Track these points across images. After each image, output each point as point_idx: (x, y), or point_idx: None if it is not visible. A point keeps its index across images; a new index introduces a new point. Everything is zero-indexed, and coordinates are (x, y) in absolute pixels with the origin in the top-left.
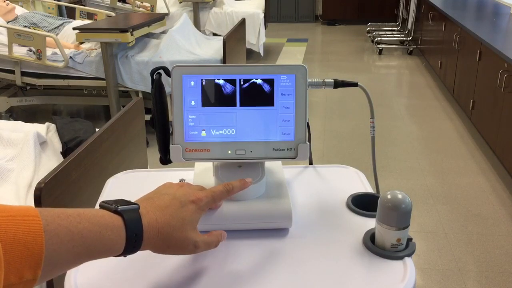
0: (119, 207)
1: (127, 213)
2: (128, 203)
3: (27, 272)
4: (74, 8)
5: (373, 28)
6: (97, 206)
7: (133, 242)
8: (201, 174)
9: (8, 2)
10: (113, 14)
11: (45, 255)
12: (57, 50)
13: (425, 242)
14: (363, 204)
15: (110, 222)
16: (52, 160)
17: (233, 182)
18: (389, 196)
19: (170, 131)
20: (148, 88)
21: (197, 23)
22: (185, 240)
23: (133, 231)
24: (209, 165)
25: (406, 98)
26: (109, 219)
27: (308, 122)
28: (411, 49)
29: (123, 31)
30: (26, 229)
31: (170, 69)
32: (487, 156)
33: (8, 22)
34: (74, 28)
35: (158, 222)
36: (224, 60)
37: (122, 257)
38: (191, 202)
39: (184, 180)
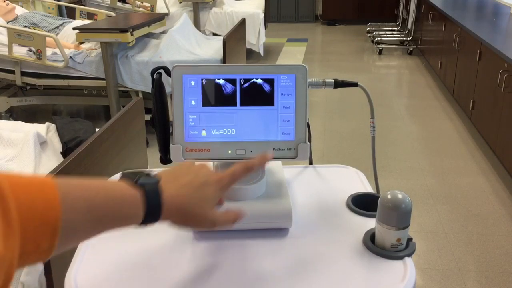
0: (140, 179)
1: (147, 185)
2: (149, 176)
3: (43, 241)
4: (74, 8)
5: (373, 28)
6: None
7: (152, 214)
8: None
9: (8, 2)
10: (113, 14)
11: (61, 226)
12: (57, 50)
13: (425, 242)
14: (363, 204)
15: (129, 195)
16: (52, 160)
17: (253, 160)
18: (389, 196)
19: (171, 131)
20: (148, 88)
21: (197, 23)
22: (203, 218)
23: (151, 205)
24: (209, 165)
25: (406, 98)
26: (128, 191)
27: (308, 122)
28: (411, 49)
29: (123, 31)
30: (42, 199)
31: (170, 69)
32: (487, 156)
33: (8, 22)
34: (74, 28)
35: (178, 198)
36: (224, 60)
37: (122, 257)
38: (213, 182)
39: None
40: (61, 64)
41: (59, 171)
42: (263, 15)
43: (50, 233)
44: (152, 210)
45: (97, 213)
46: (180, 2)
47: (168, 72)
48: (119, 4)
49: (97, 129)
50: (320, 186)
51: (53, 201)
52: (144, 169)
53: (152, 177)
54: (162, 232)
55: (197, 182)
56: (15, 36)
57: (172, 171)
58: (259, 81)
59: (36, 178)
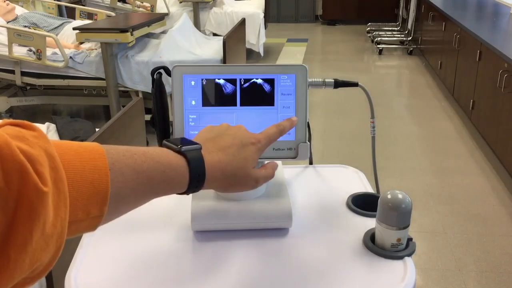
0: (183, 147)
1: (191, 153)
2: (191, 142)
3: (93, 208)
4: (74, 8)
5: (373, 28)
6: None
7: (196, 181)
8: None
9: (8, 2)
10: (113, 14)
11: (110, 193)
12: (57, 50)
13: (425, 242)
14: (363, 204)
15: (174, 162)
16: None
17: (282, 122)
18: (389, 196)
19: (171, 131)
20: (148, 88)
21: (197, 23)
22: (247, 178)
23: (196, 171)
24: None
25: (406, 98)
26: (173, 158)
27: (308, 122)
28: (411, 49)
29: (123, 31)
30: (92, 167)
31: (170, 69)
32: (487, 156)
33: (8, 22)
34: (74, 28)
35: (221, 163)
36: (224, 60)
37: (122, 257)
38: (251, 144)
39: None
40: (61, 64)
41: None
42: (263, 15)
43: (100, 201)
44: (197, 178)
45: (144, 181)
46: (180, 2)
47: (168, 72)
48: (119, 4)
49: (97, 129)
50: (320, 186)
51: (103, 169)
52: (183, 137)
53: (193, 143)
54: (162, 232)
55: (237, 144)
56: (15, 36)
57: (210, 133)
58: (259, 81)
59: (85, 146)
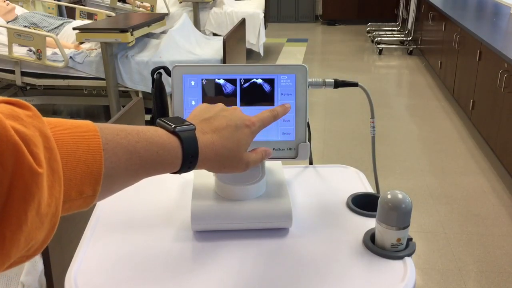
0: (177, 127)
1: (184, 133)
2: (185, 123)
3: (87, 188)
4: (74, 8)
5: (373, 28)
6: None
7: (188, 162)
8: (201, 174)
9: (8, 2)
10: (113, 14)
11: (103, 173)
12: (57, 50)
13: (425, 242)
14: (363, 204)
15: (168, 143)
16: None
17: (276, 107)
18: (389, 196)
19: None
20: (148, 88)
21: (197, 23)
22: (239, 161)
23: (189, 152)
24: None
25: (406, 98)
26: (167, 139)
27: (308, 122)
28: (411, 49)
29: (123, 31)
30: (86, 147)
31: (170, 69)
32: (487, 156)
33: (8, 22)
34: (74, 28)
35: (214, 144)
36: (224, 60)
37: (122, 257)
38: (246, 126)
39: None
40: (61, 64)
41: None
42: (263, 15)
43: (93, 181)
44: (189, 159)
45: (137, 161)
46: (180, 2)
47: (168, 72)
48: (119, 4)
49: None
50: (320, 186)
51: (96, 149)
52: (177, 116)
53: (187, 123)
54: (162, 232)
55: (231, 126)
56: (15, 36)
57: (206, 113)
58: (259, 81)
59: (78, 125)
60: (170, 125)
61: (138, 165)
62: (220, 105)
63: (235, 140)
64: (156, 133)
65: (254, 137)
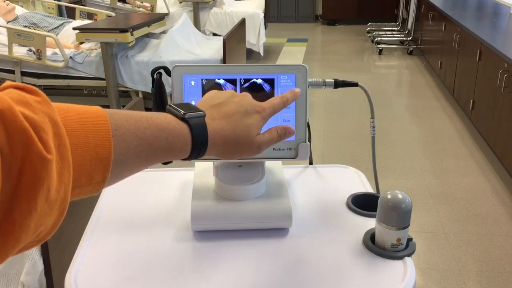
0: (186, 114)
1: (194, 120)
2: (195, 109)
3: (96, 174)
4: (74, 8)
5: (373, 28)
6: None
7: (198, 149)
8: (201, 174)
9: (8, 2)
10: (113, 14)
11: (113, 159)
12: (57, 50)
13: (425, 242)
14: (363, 204)
15: (177, 129)
16: None
17: (285, 93)
18: (389, 196)
19: None
20: (148, 88)
21: (197, 23)
22: (250, 145)
23: (198, 139)
24: (209, 165)
25: (406, 98)
26: (176, 125)
27: (308, 122)
28: (411, 49)
29: (123, 31)
30: (95, 133)
31: (170, 69)
32: (487, 156)
33: (8, 22)
34: (74, 28)
35: (224, 130)
36: (224, 60)
37: (122, 257)
38: (256, 112)
39: None
40: (61, 64)
41: None
42: (263, 15)
43: (103, 167)
44: (199, 146)
45: (147, 148)
46: (180, 2)
47: (168, 72)
48: (119, 4)
49: None
50: (320, 186)
51: (106, 135)
52: (187, 102)
53: (197, 109)
54: (162, 232)
55: (240, 112)
56: (15, 36)
57: (215, 99)
58: (259, 81)
59: (88, 111)
60: (180, 112)
61: (147, 152)
62: (230, 91)
63: (245, 125)
64: (166, 119)
65: (265, 122)
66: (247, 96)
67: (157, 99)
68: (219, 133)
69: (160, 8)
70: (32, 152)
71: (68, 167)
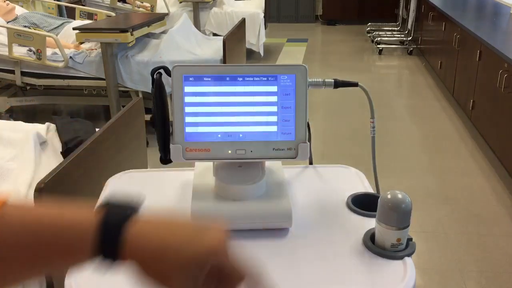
0: (111, 206)
1: (111, 210)
2: (136, 207)
3: None
4: (74, 8)
5: (373, 28)
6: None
7: (103, 251)
8: (201, 174)
9: (8, 2)
10: (113, 14)
11: None
12: (57, 50)
13: (425, 242)
14: (363, 204)
15: (79, 221)
16: (52, 160)
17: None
18: (389, 196)
19: (171, 131)
20: (148, 88)
21: (197, 23)
22: (188, 264)
23: (106, 237)
24: (209, 165)
25: (406, 98)
26: (83, 216)
27: (308, 122)
28: (411, 49)
29: (123, 31)
30: None
31: (170, 69)
32: (487, 156)
33: (8, 22)
34: (74, 28)
35: (152, 235)
36: (224, 60)
37: None
38: (214, 232)
39: None
40: (61, 64)
41: (59, 171)
42: (263, 15)
43: None
44: (105, 244)
45: (32, 241)
46: (180, 2)
47: (168, 72)
48: (119, 4)
49: (97, 129)
50: (320, 186)
51: None
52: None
53: (137, 206)
54: None
55: (193, 225)
56: (15, 36)
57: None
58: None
59: None
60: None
61: (34, 247)
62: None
63: (187, 241)
64: (71, 210)
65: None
66: (221, 231)
67: (157, 99)
68: (145, 236)
69: (160, 8)
70: None
71: None
